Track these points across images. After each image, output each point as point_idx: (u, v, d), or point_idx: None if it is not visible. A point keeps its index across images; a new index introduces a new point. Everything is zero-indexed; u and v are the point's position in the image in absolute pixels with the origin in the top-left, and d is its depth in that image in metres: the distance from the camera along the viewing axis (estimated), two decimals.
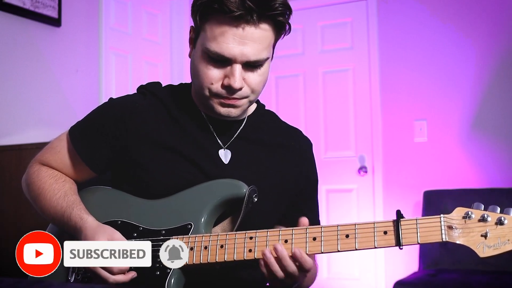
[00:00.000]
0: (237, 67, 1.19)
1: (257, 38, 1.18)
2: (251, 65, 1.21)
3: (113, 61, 3.63)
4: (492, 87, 3.69)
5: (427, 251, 3.58)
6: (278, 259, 1.11)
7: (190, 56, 1.28)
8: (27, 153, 2.55)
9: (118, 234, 1.20)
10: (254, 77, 1.23)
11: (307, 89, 4.24)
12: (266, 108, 1.48)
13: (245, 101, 1.25)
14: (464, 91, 3.75)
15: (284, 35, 1.27)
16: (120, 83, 3.62)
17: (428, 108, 3.84)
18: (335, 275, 4.03)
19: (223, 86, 1.21)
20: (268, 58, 1.23)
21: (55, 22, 3.19)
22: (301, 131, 1.46)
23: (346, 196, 4.03)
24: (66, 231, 1.29)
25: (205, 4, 1.19)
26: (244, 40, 1.17)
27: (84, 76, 3.41)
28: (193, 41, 1.27)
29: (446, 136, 3.78)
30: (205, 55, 1.21)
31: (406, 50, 3.93)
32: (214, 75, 1.21)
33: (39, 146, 2.48)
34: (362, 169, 3.99)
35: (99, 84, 3.50)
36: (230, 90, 1.21)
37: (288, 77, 4.31)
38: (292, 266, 1.11)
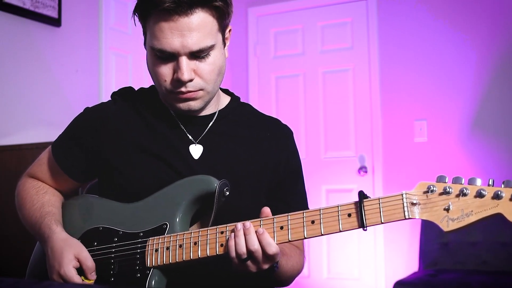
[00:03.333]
0: (183, 60, 1.19)
1: (194, 27, 1.17)
2: (196, 55, 1.20)
3: (113, 61, 3.63)
4: (492, 87, 3.69)
5: (427, 251, 3.58)
6: (245, 234, 1.12)
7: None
8: (27, 153, 2.55)
9: (85, 251, 1.22)
10: (203, 66, 1.22)
11: (307, 89, 4.24)
12: (247, 102, 1.47)
13: (202, 92, 1.25)
14: (464, 91, 3.75)
15: (227, 18, 1.25)
16: (120, 83, 3.62)
17: (428, 108, 3.84)
18: (335, 275, 4.03)
19: (173, 81, 1.22)
20: (213, 45, 1.22)
21: (55, 22, 3.19)
22: (279, 120, 1.44)
23: (346, 196, 4.02)
24: (38, 240, 1.33)
25: (140, 5, 1.22)
26: (181, 31, 1.17)
27: (84, 76, 3.41)
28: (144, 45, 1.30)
29: (446, 136, 3.78)
30: (152, 54, 1.23)
31: (406, 50, 3.93)
32: (164, 72, 1.22)
33: (39, 146, 2.49)
34: (362, 169, 3.99)
35: (99, 84, 3.50)
36: (180, 83, 1.21)
37: (288, 77, 4.31)
38: (255, 243, 1.10)
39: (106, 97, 3.69)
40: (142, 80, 3.73)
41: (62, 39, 3.27)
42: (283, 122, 1.45)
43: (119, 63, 3.68)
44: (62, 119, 3.17)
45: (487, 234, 3.44)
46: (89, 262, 1.20)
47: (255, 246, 1.10)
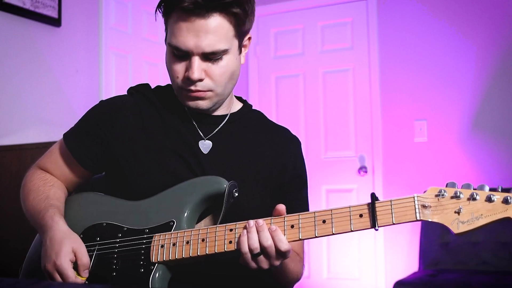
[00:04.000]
0: (195, 59, 1.24)
1: (211, 29, 1.22)
2: (209, 57, 1.25)
3: (113, 61, 3.63)
4: (492, 87, 3.69)
5: (427, 251, 3.58)
6: (258, 230, 1.13)
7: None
8: (27, 153, 2.55)
9: (83, 247, 1.22)
10: (215, 69, 1.26)
11: (307, 89, 4.24)
12: (257, 108, 1.50)
13: (210, 93, 1.28)
14: (464, 91, 3.75)
15: (246, 25, 1.28)
16: (120, 83, 3.62)
17: (428, 108, 3.84)
18: (335, 275, 4.03)
19: (184, 78, 1.27)
20: (227, 50, 1.26)
21: (55, 22, 3.19)
22: (289, 130, 1.47)
23: (346, 196, 4.03)
24: (38, 230, 1.32)
25: (163, 1, 1.27)
26: (197, 32, 1.22)
27: (84, 76, 3.41)
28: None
29: (446, 136, 3.78)
30: (170, 51, 1.29)
31: (406, 50, 3.93)
32: (178, 69, 1.27)
33: (39, 146, 2.49)
34: (362, 169, 3.99)
35: (99, 84, 3.50)
36: (190, 81, 1.25)
37: (288, 77, 4.31)
38: (269, 239, 1.12)
39: (106, 97, 3.69)
40: (142, 80, 3.73)
41: (62, 39, 3.27)
42: (288, 128, 1.48)
43: (119, 63, 3.68)
44: (62, 119, 3.18)
45: (487, 234, 3.44)
46: (84, 259, 1.20)
47: (268, 242, 1.12)
